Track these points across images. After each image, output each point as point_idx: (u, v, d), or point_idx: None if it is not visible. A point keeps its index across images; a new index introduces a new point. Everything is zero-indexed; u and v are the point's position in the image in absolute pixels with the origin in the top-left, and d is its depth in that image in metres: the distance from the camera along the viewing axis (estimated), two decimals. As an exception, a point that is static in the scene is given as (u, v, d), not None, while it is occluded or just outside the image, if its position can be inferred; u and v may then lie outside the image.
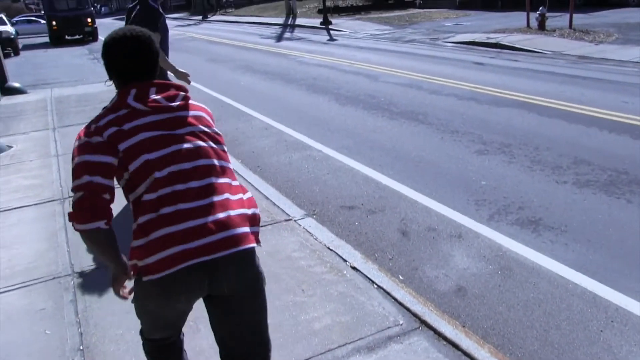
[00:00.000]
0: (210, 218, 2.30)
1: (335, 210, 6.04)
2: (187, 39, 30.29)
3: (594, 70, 12.95)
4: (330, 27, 28.85)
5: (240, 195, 2.47)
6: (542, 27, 19.78)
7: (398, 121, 9.40)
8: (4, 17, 32.00)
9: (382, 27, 27.04)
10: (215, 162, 2.43)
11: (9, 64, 18.68)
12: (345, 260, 4.71)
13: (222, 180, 2.42)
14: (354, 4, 38.54)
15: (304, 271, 4.56)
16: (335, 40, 23.89)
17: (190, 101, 2.57)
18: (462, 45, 18.84)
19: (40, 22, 45.96)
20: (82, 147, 2.31)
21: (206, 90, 13.78)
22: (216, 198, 2.36)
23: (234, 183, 2.49)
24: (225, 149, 2.56)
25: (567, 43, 17.10)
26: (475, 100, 10.43)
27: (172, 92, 2.47)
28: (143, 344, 2.80)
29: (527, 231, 5.29)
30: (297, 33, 28.66)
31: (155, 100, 2.40)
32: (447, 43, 19.72)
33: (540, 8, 20.03)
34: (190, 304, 2.47)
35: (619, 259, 4.69)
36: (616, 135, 7.89)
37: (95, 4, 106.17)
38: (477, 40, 18.93)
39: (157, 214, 2.28)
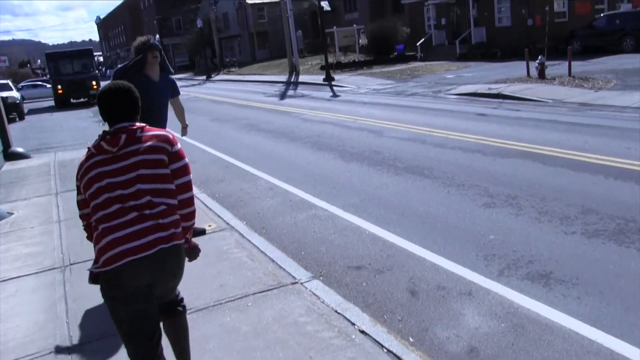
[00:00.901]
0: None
1: (342, 271, 5.97)
2: (191, 99, 30.62)
3: (596, 117, 13.01)
4: (333, 83, 29.18)
5: (168, 209, 3.28)
6: (542, 75, 19.98)
7: (403, 176, 9.39)
8: (10, 83, 32.79)
9: (384, 82, 27.34)
10: (152, 185, 3.24)
11: (14, 129, 18.94)
12: (353, 324, 4.61)
13: (159, 199, 3.24)
14: (356, 60, 39.02)
15: (311, 337, 4.47)
16: (338, 96, 24.14)
17: (145, 133, 3.35)
18: (464, 97, 18.98)
19: (46, 86, 46.85)
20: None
21: (210, 150, 13.87)
22: (152, 211, 3.19)
23: (170, 200, 3.30)
24: (169, 170, 3.32)
25: (568, 91, 17.24)
26: (480, 152, 10.44)
27: (118, 136, 3.26)
28: None
29: (538, 286, 5.20)
30: (300, 90, 29.01)
31: (101, 146, 3.26)
32: (449, 95, 19.89)
33: (540, 57, 20.26)
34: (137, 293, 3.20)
35: (634, 311, 4.58)
36: (622, 182, 7.84)
37: (101, 67, 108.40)
38: (479, 92, 19.09)
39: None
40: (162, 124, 6.65)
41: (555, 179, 8.32)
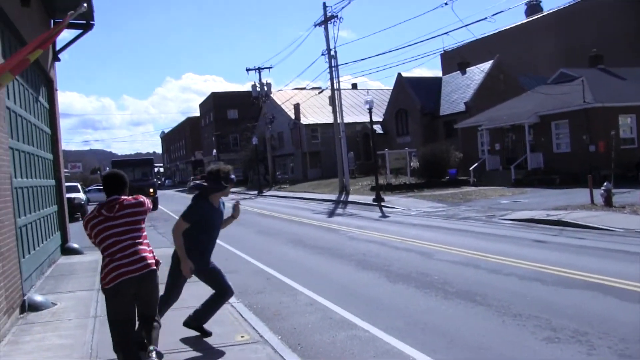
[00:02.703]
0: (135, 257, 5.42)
1: (381, 404, 5.21)
2: (241, 212, 30.57)
3: (671, 250, 12.05)
4: (382, 204, 28.79)
5: (146, 247, 5.58)
6: (608, 203, 19.10)
7: (453, 301, 8.65)
8: (79, 186, 34.25)
9: (435, 205, 26.80)
10: (135, 233, 5.54)
11: (75, 227, 19.22)
12: None
13: (139, 240, 5.54)
14: (407, 182, 38.76)
15: None
16: (387, 216, 23.64)
17: (127, 201, 5.63)
18: (520, 223, 18.19)
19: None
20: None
21: (253, 261, 13.42)
22: (137, 248, 5.47)
23: (145, 241, 5.63)
24: (143, 218, 5.73)
25: (640, 220, 16.20)
26: (540, 280, 9.63)
27: (113, 204, 5.54)
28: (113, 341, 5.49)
29: None
30: (350, 209, 28.64)
31: (101, 212, 5.48)
32: (504, 220, 19.12)
33: (605, 184, 19.50)
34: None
35: None
36: None
37: (161, 177, 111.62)
38: (536, 218, 18.29)
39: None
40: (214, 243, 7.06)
41: (636, 316, 7.40)
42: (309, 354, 6.59)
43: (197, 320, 7.01)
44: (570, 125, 33.91)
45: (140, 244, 5.48)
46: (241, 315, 7.99)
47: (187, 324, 7.05)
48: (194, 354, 6.49)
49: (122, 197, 5.63)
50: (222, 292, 6.93)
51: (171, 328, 7.11)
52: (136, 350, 5.53)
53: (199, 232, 6.65)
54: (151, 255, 5.55)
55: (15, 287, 8.38)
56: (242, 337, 6.94)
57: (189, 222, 6.58)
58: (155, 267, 5.53)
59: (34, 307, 8.84)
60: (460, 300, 8.70)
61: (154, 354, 5.30)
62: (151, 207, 5.86)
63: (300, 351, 6.68)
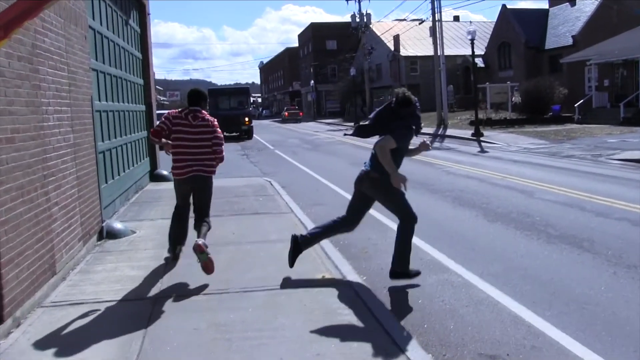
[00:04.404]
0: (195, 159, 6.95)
1: (471, 359, 4.71)
2: (335, 142, 30.42)
3: None
4: (481, 138, 27.66)
5: (206, 157, 7.00)
6: None
7: (557, 246, 7.94)
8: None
9: (537, 141, 25.44)
10: (203, 142, 6.95)
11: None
12: None
13: (204, 149, 6.96)
14: (507, 117, 37.07)
15: None
16: (486, 152, 22.63)
17: (206, 117, 7.07)
18: (630, 164, 16.82)
19: None
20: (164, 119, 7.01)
21: (344, 193, 12.99)
22: (200, 156, 6.96)
23: (208, 151, 6.99)
24: (215, 135, 7.03)
25: None
26: (655, 227, 8.74)
27: (198, 114, 7.01)
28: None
29: None
30: (447, 143, 27.70)
31: (187, 118, 6.96)
32: (611, 160, 17.79)
33: None
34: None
35: None
36: None
37: (259, 108, 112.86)
38: (648, 159, 16.91)
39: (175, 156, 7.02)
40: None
41: None
42: (394, 299, 6.15)
43: (398, 265, 6.49)
44: (692, 60, 31.14)
45: (203, 153, 6.95)
46: (325, 252, 7.55)
47: (395, 274, 6.51)
48: (261, 293, 6.16)
49: (204, 111, 7.10)
50: (408, 218, 6.49)
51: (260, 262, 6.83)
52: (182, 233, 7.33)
53: (395, 155, 6.36)
54: (210, 165, 7.05)
55: (93, 214, 8.26)
56: (323, 276, 6.53)
57: (397, 145, 6.32)
58: (207, 175, 7.05)
59: (113, 235, 8.71)
60: (564, 245, 7.98)
61: (200, 241, 6.41)
62: (219, 133, 7.13)
63: (385, 296, 6.24)
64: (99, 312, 5.61)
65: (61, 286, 6.41)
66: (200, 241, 6.40)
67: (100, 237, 8.56)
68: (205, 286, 6.27)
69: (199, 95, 7.19)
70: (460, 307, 5.87)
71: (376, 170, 6.40)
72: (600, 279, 6.52)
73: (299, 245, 6.72)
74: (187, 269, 6.94)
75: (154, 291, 6.21)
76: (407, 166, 18.36)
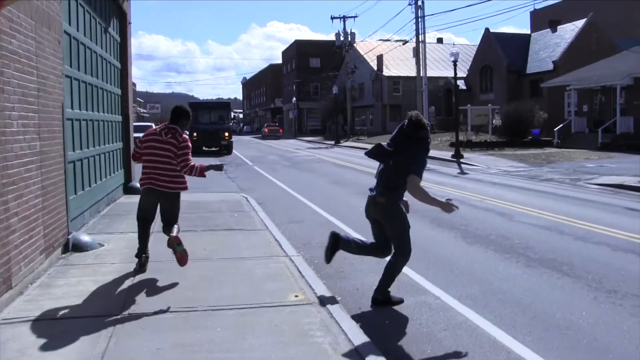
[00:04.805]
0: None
1: (450, 386, 4.48)
2: (315, 160, 30.26)
3: None
4: (461, 160, 27.62)
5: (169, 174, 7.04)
6: None
7: (537, 270, 7.77)
8: (154, 126, 34.24)
9: (516, 164, 25.45)
10: (168, 159, 6.96)
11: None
12: None
13: (168, 167, 6.99)
14: (488, 140, 37.19)
15: None
16: (466, 174, 22.56)
17: (177, 135, 7.03)
18: (608, 188, 16.82)
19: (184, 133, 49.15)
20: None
21: (321, 212, 12.83)
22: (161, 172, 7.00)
23: (173, 168, 7.01)
24: (178, 153, 6.98)
25: None
26: (636, 253, 8.59)
27: (170, 130, 7.07)
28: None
29: None
30: (427, 164, 27.54)
31: (160, 133, 7.08)
32: (590, 185, 17.76)
33: None
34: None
35: None
36: None
37: (240, 123, 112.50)
38: (626, 184, 16.87)
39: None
40: None
41: None
42: (369, 322, 5.90)
43: (381, 294, 6.42)
44: (669, 88, 31.45)
45: (168, 169, 6.99)
46: (299, 271, 7.28)
47: (377, 302, 6.42)
48: (231, 312, 5.89)
49: (179, 129, 7.15)
50: (403, 251, 6.41)
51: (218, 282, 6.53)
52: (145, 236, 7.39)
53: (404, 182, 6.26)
54: (176, 182, 7.09)
55: (59, 225, 7.89)
56: (296, 296, 6.26)
57: (421, 177, 6.35)
58: (171, 191, 7.12)
59: (79, 248, 8.34)
60: (544, 268, 7.81)
61: (173, 234, 6.89)
62: (188, 153, 7.11)
63: (360, 317, 6.01)
64: (55, 330, 5.26)
65: (17, 301, 6.03)
66: (174, 233, 6.88)
67: (66, 250, 8.19)
68: (171, 303, 5.98)
69: (179, 113, 7.25)
70: (437, 330, 5.65)
71: (383, 195, 6.34)
72: (581, 304, 6.35)
73: (337, 243, 6.57)
74: (154, 285, 6.67)
75: (117, 308, 5.86)
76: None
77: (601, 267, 7.83)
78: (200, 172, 7.10)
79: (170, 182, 7.03)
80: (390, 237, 6.49)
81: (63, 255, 8.05)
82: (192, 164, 7.03)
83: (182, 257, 6.76)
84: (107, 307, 5.89)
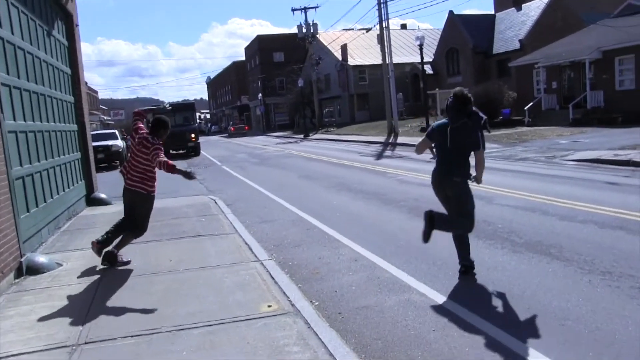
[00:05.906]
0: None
1: (446, 399, 3.99)
2: (284, 156, 29.67)
3: None
4: (434, 145, 27.25)
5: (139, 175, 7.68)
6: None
7: (524, 255, 7.34)
8: (117, 133, 33.63)
9: (489, 145, 25.02)
10: (139, 161, 7.59)
11: (112, 175, 18.40)
12: None
13: (136, 167, 7.61)
14: (459, 123, 36.94)
15: None
16: (439, 158, 22.13)
17: (150, 143, 7.48)
18: (585, 164, 16.52)
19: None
20: None
21: (293, 209, 12.27)
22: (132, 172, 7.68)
23: (142, 170, 7.64)
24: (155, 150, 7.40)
25: None
26: (624, 229, 8.21)
27: (142, 134, 7.68)
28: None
29: None
30: (399, 151, 27.19)
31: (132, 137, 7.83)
32: (566, 161, 17.45)
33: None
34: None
35: None
36: None
37: (207, 124, 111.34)
38: (602, 158, 16.58)
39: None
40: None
41: None
42: (351, 327, 5.40)
43: (465, 260, 6.81)
44: (637, 60, 31.21)
45: (140, 171, 7.61)
46: (271, 277, 6.76)
47: (468, 269, 6.75)
48: (197, 331, 5.35)
49: (155, 137, 7.64)
50: (470, 219, 6.88)
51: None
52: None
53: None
54: (146, 184, 7.66)
55: (8, 248, 7.20)
56: (269, 306, 5.72)
57: None
58: (143, 192, 7.68)
59: (34, 270, 7.65)
60: (532, 253, 7.39)
61: (98, 240, 7.77)
62: (158, 159, 7.31)
63: (341, 323, 5.50)
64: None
65: (-41, 339, 5.38)
66: (97, 240, 7.77)
67: (20, 274, 7.50)
68: (133, 325, 5.42)
69: (156, 124, 7.75)
70: (426, 332, 5.16)
71: (458, 176, 6.86)
72: (576, 290, 5.91)
73: (433, 220, 6.80)
74: (115, 304, 6.10)
75: (73, 337, 5.26)
76: (357, 175, 17.87)
77: (591, 247, 7.42)
78: (169, 167, 7.16)
79: (143, 183, 7.66)
80: (458, 207, 6.89)
81: (16, 281, 7.36)
82: (161, 152, 7.41)
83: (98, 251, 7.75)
84: (62, 338, 5.27)
